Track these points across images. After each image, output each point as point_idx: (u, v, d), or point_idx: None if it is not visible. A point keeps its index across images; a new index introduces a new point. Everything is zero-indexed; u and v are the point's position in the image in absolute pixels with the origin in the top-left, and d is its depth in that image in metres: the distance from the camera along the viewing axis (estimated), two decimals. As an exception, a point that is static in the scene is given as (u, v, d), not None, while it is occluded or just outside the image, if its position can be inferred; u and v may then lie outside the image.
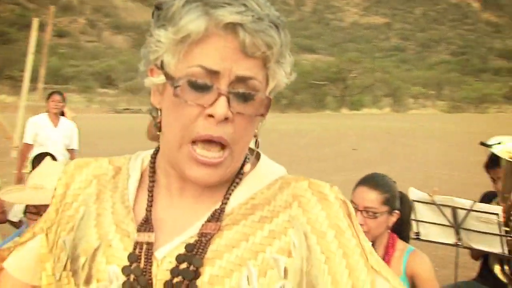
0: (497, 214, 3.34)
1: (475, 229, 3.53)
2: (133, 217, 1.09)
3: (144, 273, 1.02)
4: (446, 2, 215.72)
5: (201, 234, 1.04)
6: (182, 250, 1.03)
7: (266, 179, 1.13)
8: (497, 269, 3.78)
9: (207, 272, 1.00)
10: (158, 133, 1.09)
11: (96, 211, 1.13)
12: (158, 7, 1.04)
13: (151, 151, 1.19)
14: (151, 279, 1.02)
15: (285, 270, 1.03)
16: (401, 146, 23.77)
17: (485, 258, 4.04)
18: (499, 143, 3.51)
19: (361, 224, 2.37)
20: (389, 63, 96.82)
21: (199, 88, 0.98)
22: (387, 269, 1.10)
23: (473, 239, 3.61)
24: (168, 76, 1.01)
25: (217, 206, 1.08)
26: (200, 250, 1.02)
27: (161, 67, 1.02)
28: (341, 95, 72.10)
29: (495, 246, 3.48)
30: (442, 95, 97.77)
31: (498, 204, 3.61)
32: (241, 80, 0.99)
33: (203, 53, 0.98)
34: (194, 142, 1.01)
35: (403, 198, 3.02)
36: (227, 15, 0.96)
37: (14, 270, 1.22)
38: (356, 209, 2.72)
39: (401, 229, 2.97)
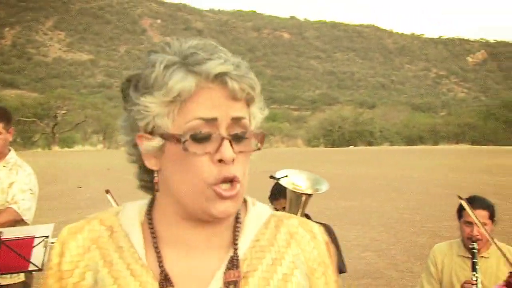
0: None
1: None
2: (153, 275, 1.10)
3: None
4: (149, 41, 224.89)
5: (227, 283, 1.09)
6: None
7: (261, 218, 1.21)
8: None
9: None
10: (156, 192, 1.15)
11: (110, 275, 1.11)
12: (129, 80, 1.11)
13: (139, 203, 1.21)
14: None
15: None
16: (126, 182, 23.94)
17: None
18: (286, 176, 3.88)
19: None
20: (96, 100, 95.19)
21: (203, 139, 1.04)
22: None
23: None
24: (168, 136, 1.06)
25: (230, 252, 1.13)
26: None
27: (154, 131, 1.07)
28: (51, 132, 69.29)
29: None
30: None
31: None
32: (236, 121, 1.06)
33: (198, 106, 1.04)
34: (215, 184, 1.06)
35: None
36: (214, 67, 1.03)
37: None
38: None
39: None
